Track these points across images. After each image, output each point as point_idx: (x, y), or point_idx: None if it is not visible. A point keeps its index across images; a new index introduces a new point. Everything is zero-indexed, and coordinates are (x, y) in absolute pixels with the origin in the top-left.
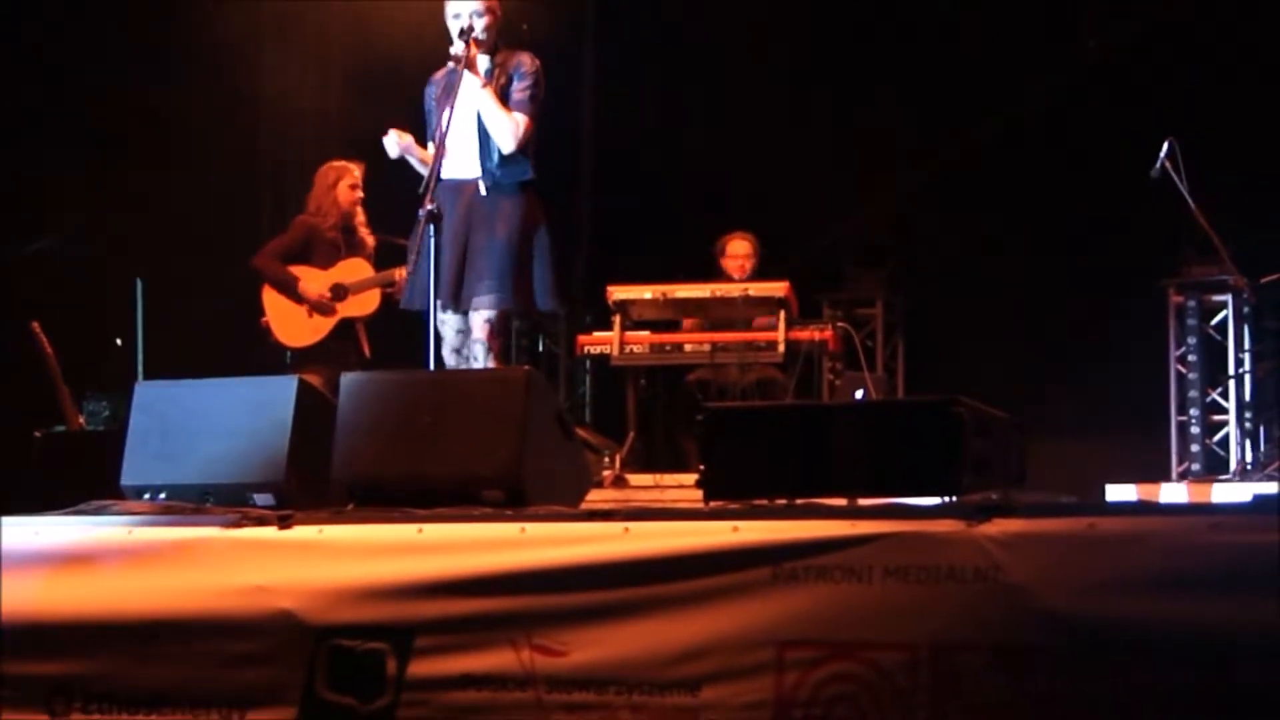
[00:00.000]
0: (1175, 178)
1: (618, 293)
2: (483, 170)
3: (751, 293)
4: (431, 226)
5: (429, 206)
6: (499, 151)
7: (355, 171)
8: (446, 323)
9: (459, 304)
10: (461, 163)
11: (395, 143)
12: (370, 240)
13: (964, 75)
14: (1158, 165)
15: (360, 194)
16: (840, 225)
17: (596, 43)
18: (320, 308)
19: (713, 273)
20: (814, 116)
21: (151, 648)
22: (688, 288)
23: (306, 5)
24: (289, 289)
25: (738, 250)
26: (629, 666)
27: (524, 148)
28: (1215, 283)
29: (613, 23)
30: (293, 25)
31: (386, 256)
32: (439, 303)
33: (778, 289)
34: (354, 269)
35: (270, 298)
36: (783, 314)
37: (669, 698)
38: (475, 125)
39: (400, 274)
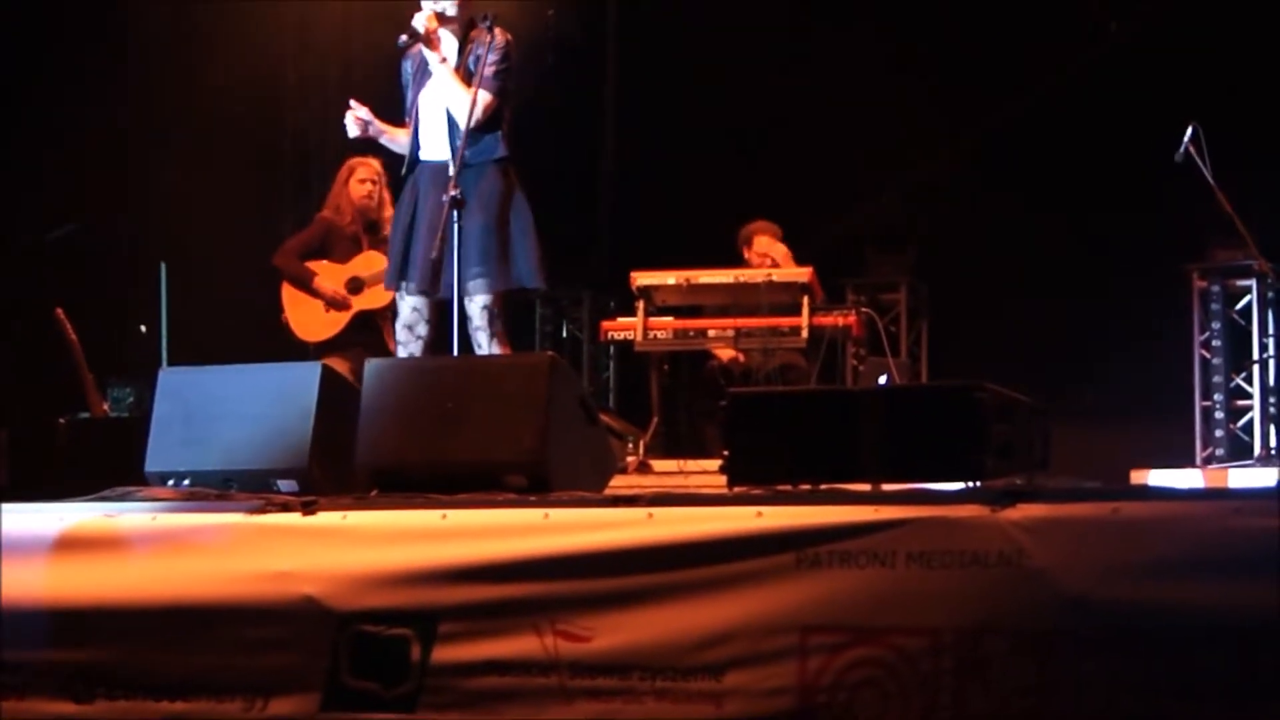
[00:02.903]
0: (1199, 162)
1: (641, 278)
2: (451, 151)
3: (775, 278)
4: (455, 213)
5: (453, 193)
6: (464, 132)
7: (369, 167)
8: (405, 300)
9: (437, 288)
10: (436, 144)
11: (353, 123)
12: None
13: (986, 59)
14: (1181, 149)
15: (370, 188)
16: (864, 210)
17: (619, 29)
18: (334, 303)
19: (735, 259)
20: (836, 101)
21: (175, 634)
22: (711, 273)
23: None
24: (305, 284)
25: (764, 248)
26: (653, 652)
27: (493, 125)
28: (1239, 267)
29: (635, 8)
30: (315, 16)
31: None
32: (408, 285)
33: (801, 275)
34: (370, 262)
35: (289, 294)
36: (806, 300)
37: (693, 683)
38: (445, 105)
39: None
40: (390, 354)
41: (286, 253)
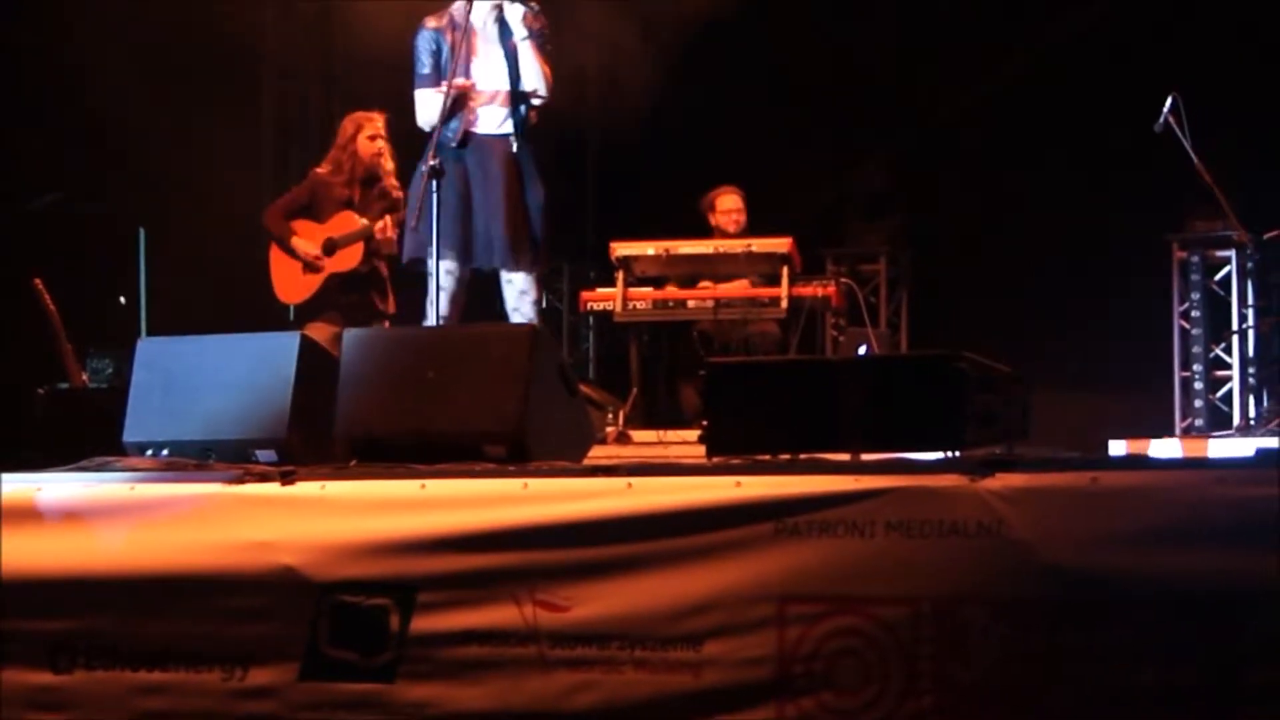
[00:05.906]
0: (1179, 132)
1: (621, 249)
2: (514, 126)
3: (754, 249)
4: (434, 182)
5: (432, 162)
6: (524, 107)
7: (377, 121)
8: (452, 273)
9: (518, 263)
10: (490, 117)
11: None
12: (397, 194)
13: (966, 28)
14: (1161, 119)
15: (380, 145)
16: (844, 180)
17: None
18: (309, 265)
19: (702, 228)
20: (817, 70)
21: (154, 604)
22: (691, 244)
23: None
24: (285, 244)
25: (729, 205)
26: (632, 622)
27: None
28: (1219, 238)
29: None
30: None
31: None
32: (455, 254)
33: (781, 245)
34: (345, 222)
35: (274, 254)
36: (786, 270)
37: (672, 652)
38: (507, 78)
39: (380, 227)
40: (387, 316)
41: (273, 212)
